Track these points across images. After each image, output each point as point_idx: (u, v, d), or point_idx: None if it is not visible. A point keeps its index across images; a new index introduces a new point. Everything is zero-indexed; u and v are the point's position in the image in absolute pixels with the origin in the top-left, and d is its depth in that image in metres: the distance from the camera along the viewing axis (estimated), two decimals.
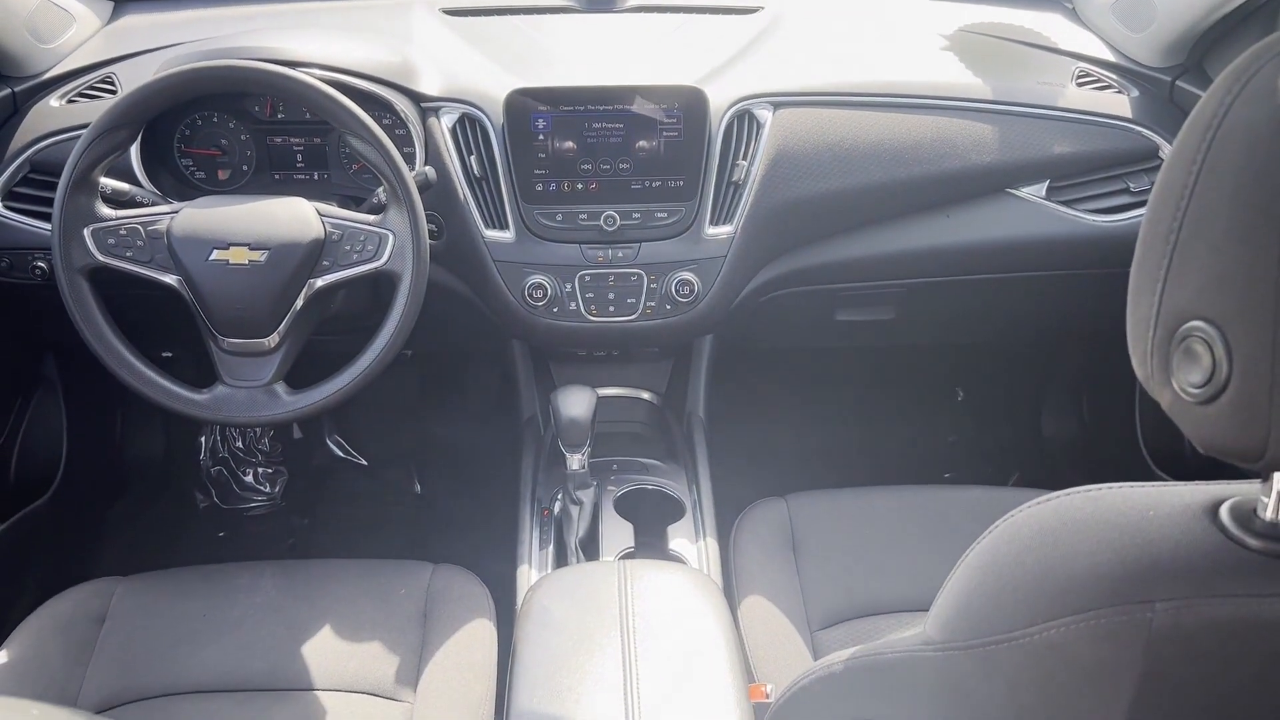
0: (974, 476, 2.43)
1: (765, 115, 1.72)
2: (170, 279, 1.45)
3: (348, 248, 1.51)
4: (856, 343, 2.20)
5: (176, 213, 1.45)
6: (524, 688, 1.05)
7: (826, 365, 2.48)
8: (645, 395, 2.05)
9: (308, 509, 2.47)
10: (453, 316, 1.84)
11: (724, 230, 1.74)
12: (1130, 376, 0.65)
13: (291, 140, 1.77)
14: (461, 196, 1.72)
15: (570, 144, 1.70)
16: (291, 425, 2.53)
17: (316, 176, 1.79)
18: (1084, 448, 2.36)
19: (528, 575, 1.59)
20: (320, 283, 1.50)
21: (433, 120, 1.72)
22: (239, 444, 2.52)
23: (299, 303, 1.48)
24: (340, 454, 2.60)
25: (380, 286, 1.63)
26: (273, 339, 1.49)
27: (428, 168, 1.74)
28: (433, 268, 1.57)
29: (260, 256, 1.44)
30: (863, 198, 1.74)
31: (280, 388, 1.50)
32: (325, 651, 1.37)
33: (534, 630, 1.15)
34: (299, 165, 1.78)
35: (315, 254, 1.49)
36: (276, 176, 1.77)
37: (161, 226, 1.44)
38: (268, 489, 2.52)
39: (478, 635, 1.43)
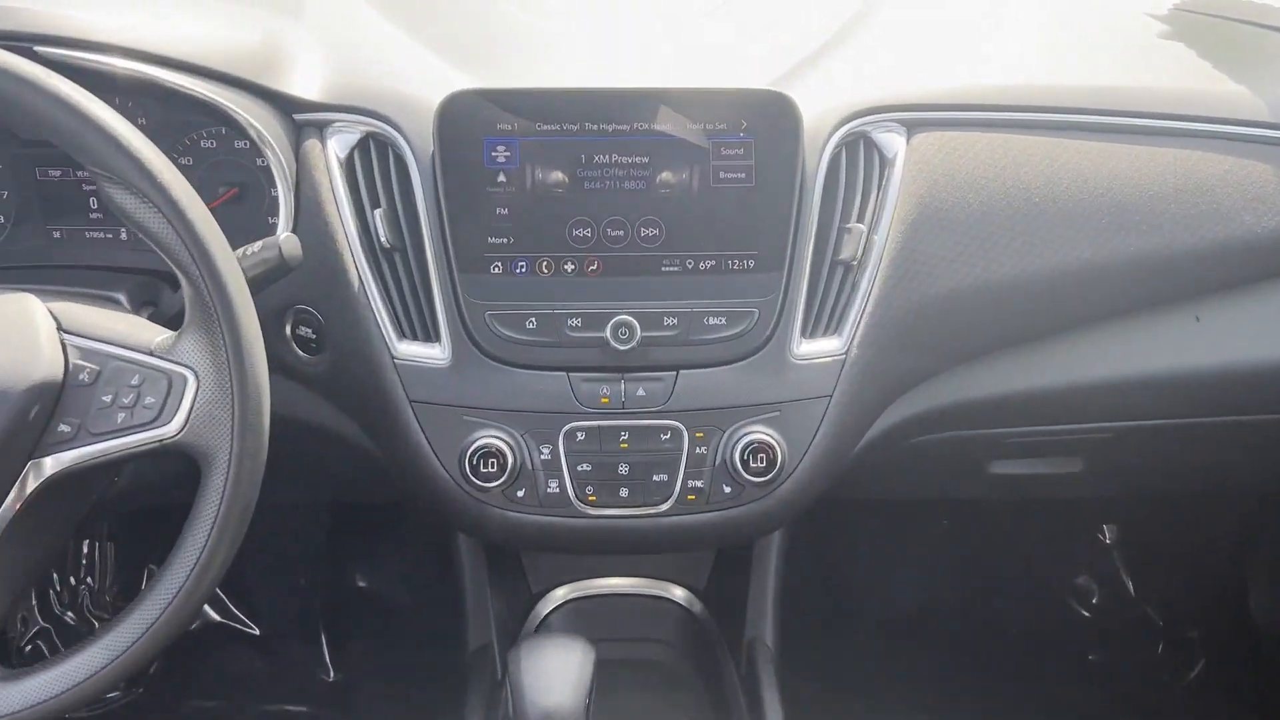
0: (1141, 664, 1.93)
1: (894, 143, 1.12)
2: None
3: (107, 398, 0.88)
4: (1011, 495, 1.67)
5: None
6: None
7: (949, 517, 1.96)
8: (676, 594, 1.44)
9: (173, 703, 1.91)
10: (346, 470, 1.29)
11: (829, 348, 1.10)
12: None
13: (79, 174, 1.17)
14: (355, 282, 1.08)
15: (556, 188, 1.07)
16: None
17: (124, 235, 1.20)
18: None
19: None
20: (54, 465, 0.88)
21: (311, 145, 1.11)
22: (83, 599, 1.93)
23: (10, 499, 0.86)
24: (219, 619, 2.01)
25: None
26: None
27: (283, 236, 0.98)
28: (305, 401, 1.15)
29: None
30: (1058, 288, 1.15)
31: None
32: None
33: None
34: (93, 215, 1.20)
35: (43, 412, 0.87)
36: (55, 234, 1.20)
37: None
38: None
39: None
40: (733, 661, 1.35)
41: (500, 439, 1.06)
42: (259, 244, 0.98)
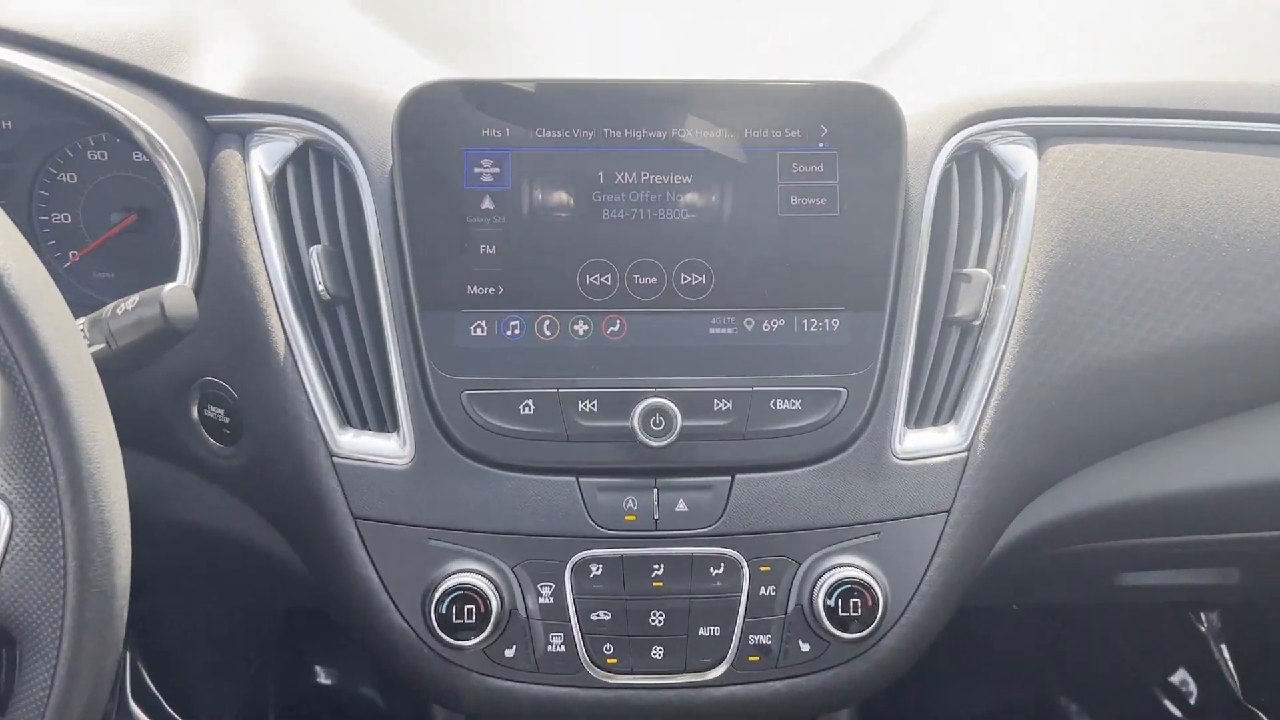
0: None
1: (1022, 159, 0.87)
2: None
3: None
4: (1139, 601, 1.40)
5: None
6: None
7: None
8: None
9: None
10: (282, 586, 0.96)
11: (944, 442, 0.83)
12: None
13: None
14: (281, 347, 0.81)
15: (562, 217, 0.81)
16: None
17: None
18: None
19: None
20: None
21: (227, 158, 0.86)
22: None
23: None
24: None
25: None
26: None
27: (168, 289, 0.71)
28: (219, 506, 0.88)
29: None
30: (1256, 353, 0.89)
31: None
32: None
33: None
34: None
35: None
36: None
37: None
38: None
39: None
40: None
41: (481, 575, 0.77)
42: (133, 299, 0.70)
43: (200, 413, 0.85)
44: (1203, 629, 1.78)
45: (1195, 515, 0.97)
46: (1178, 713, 1.76)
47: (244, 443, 0.84)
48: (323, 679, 1.77)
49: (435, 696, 0.88)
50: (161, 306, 0.70)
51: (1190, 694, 1.77)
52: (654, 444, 0.75)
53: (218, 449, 0.85)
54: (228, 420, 0.84)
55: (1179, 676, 1.77)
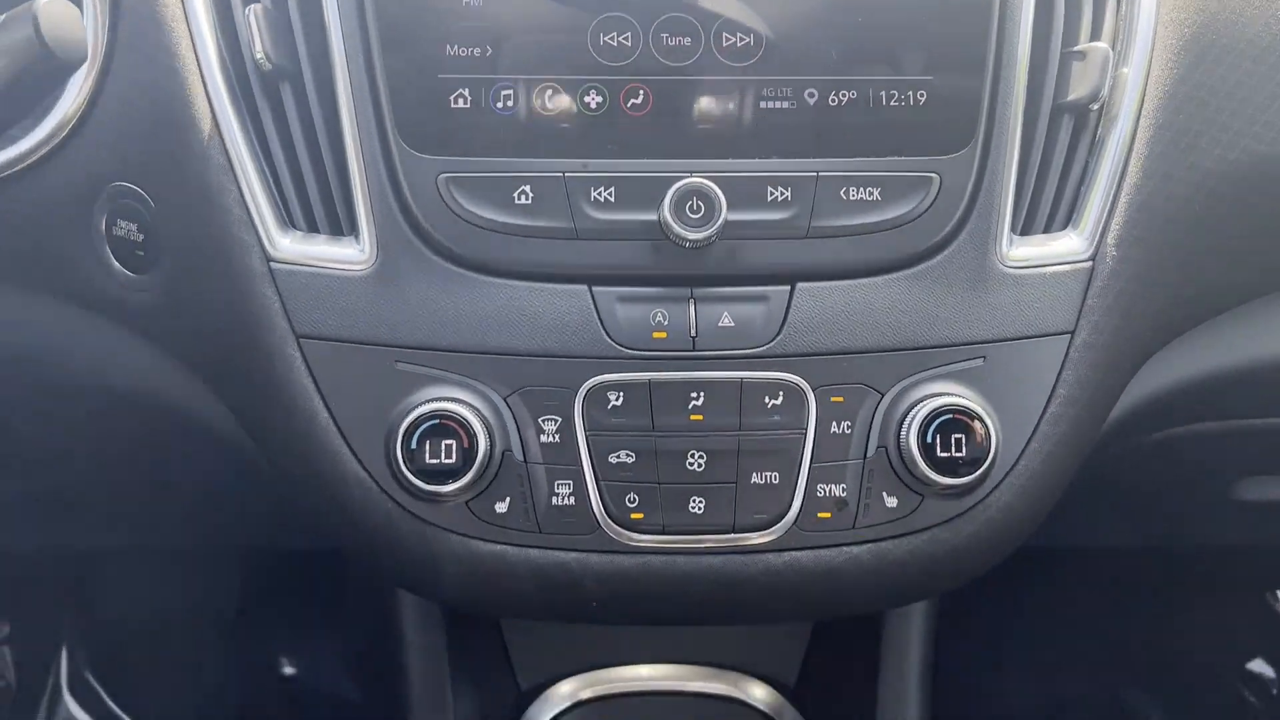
0: None
1: None
2: None
3: None
4: (1256, 539, 1.22)
5: None
6: None
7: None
8: (755, 694, 1.00)
9: None
10: (211, 478, 0.84)
11: (1064, 249, 0.66)
12: None
13: None
14: (206, 131, 0.65)
15: None
16: None
17: None
18: None
19: None
20: None
21: None
22: None
23: None
24: (88, 719, 1.61)
25: None
26: None
27: (44, 1, 0.55)
28: (129, 356, 0.72)
29: None
30: None
31: None
32: None
33: None
34: None
35: None
36: None
37: None
38: None
39: None
40: None
41: (463, 404, 0.59)
42: None
43: (108, 230, 0.67)
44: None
45: None
46: (1255, 702, 1.61)
47: (160, 268, 0.67)
48: (285, 669, 1.65)
49: (406, 574, 0.69)
50: (35, 24, 0.53)
51: (1270, 682, 1.63)
52: (691, 235, 0.58)
53: (129, 279, 0.67)
54: (141, 239, 0.67)
55: (1256, 665, 1.64)
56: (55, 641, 1.61)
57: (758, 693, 1.05)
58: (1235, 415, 0.85)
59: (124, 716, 1.61)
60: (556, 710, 1.02)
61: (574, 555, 0.62)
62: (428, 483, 0.59)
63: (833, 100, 0.63)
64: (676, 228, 0.59)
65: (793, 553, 0.63)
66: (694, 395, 0.61)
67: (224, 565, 1.59)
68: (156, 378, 0.72)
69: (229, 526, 1.15)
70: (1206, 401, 0.79)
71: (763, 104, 0.63)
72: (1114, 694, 1.66)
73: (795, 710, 1.04)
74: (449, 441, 0.59)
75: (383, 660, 1.18)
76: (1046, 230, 0.65)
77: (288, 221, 0.63)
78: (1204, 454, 0.90)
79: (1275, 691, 1.62)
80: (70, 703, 1.62)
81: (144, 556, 1.56)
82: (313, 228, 0.63)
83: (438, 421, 0.58)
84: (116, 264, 0.68)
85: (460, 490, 0.59)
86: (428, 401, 0.59)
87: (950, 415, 0.59)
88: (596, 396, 0.61)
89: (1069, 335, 0.65)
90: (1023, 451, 0.63)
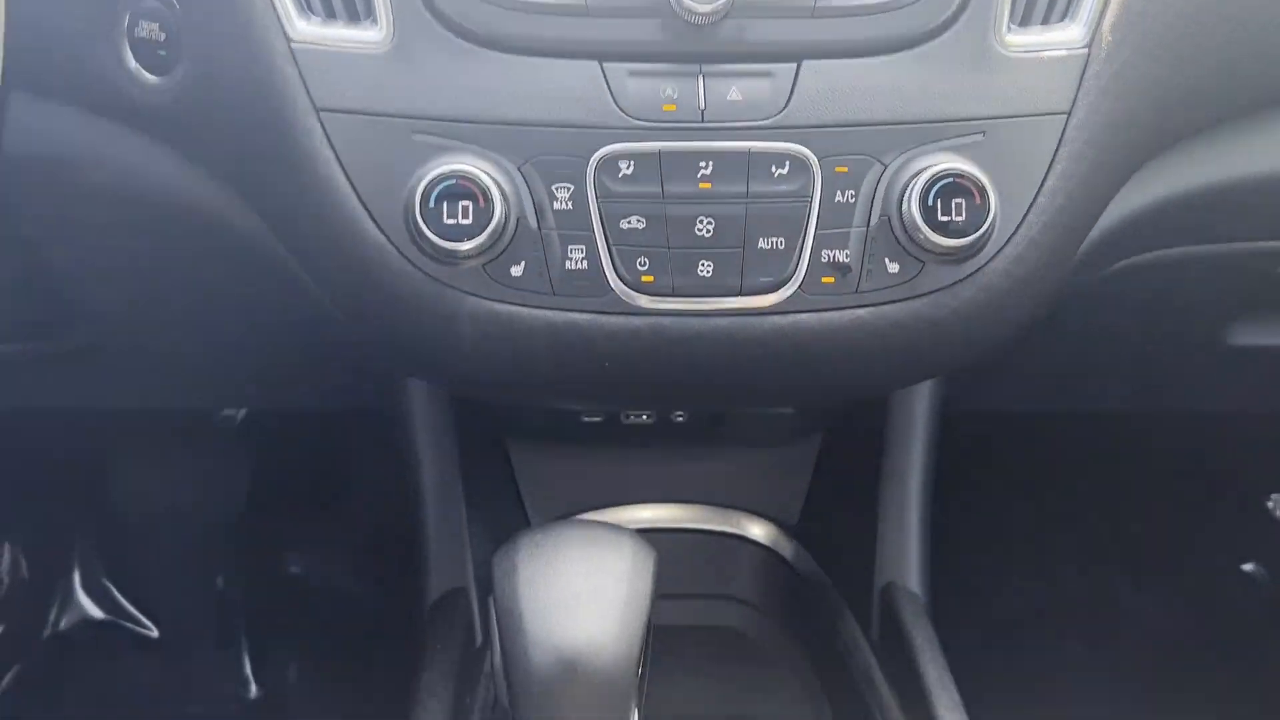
0: None
1: None
2: None
3: None
4: (1247, 405, 1.28)
5: None
6: None
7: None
8: (756, 532, 1.06)
9: None
10: (230, 282, 0.85)
11: (1061, 38, 0.67)
12: None
13: None
14: None
15: None
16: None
17: None
18: None
19: None
20: None
21: None
22: None
23: None
24: (103, 616, 1.65)
25: None
26: None
27: None
28: (149, 161, 0.73)
29: None
30: None
31: None
32: None
33: None
34: None
35: None
36: None
37: None
38: None
39: None
40: (855, 622, 0.98)
41: (478, 169, 0.62)
42: None
43: (129, 32, 0.70)
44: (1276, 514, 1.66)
45: None
46: (1247, 606, 1.65)
47: (179, 69, 0.69)
48: (296, 568, 1.70)
49: (422, 348, 0.72)
50: None
51: (1263, 585, 1.67)
52: (699, 8, 0.60)
53: (149, 83, 0.70)
54: (163, 39, 0.69)
55: (1253, 566, 1.67)
56: (68, 540, 1.67)
57: (760, 530, 1.11)
58: (1225, 238, 0.86)
59: (136, 612, 1.65)
60: None
61: (587, 316, 0.64)
62: (444, 240, 0.61)
63: None
64: (687, 1, 0.62)
65: (798, 315, 0.65)
66: (703, 164, 0.64)
67: (235, 456, 1.65)
68: (182, 183, 0.75)
69: (254, 365, 1.18)
70: (1198, 218, 0.81)
71: None
72: (1106, 587, 1.68)
73: (797, 544, 1.06)
74: (465, 203, 0.61)
75: (398, 564, 1.25)
76: (1045, 23, 0.67)
77: (306, 8, 0.65)
78: (1195, 289, 0.93)
79: (1267, 594, 1.66)
80: (83, 598, 1.68)
81: (155, 452, 1.63)
82: (330, 14, 0.65)
83: (455, 182, 0.61)
84: (138, 65, 0.70)
85: (477, 249, 0.62)
86: (443, 165, 0.61)
87: (951, 180, 0.62)
88: (608, 165, 0.63)
89: (1065, 115, 0.67)
90: (1021, 222, 0.65)
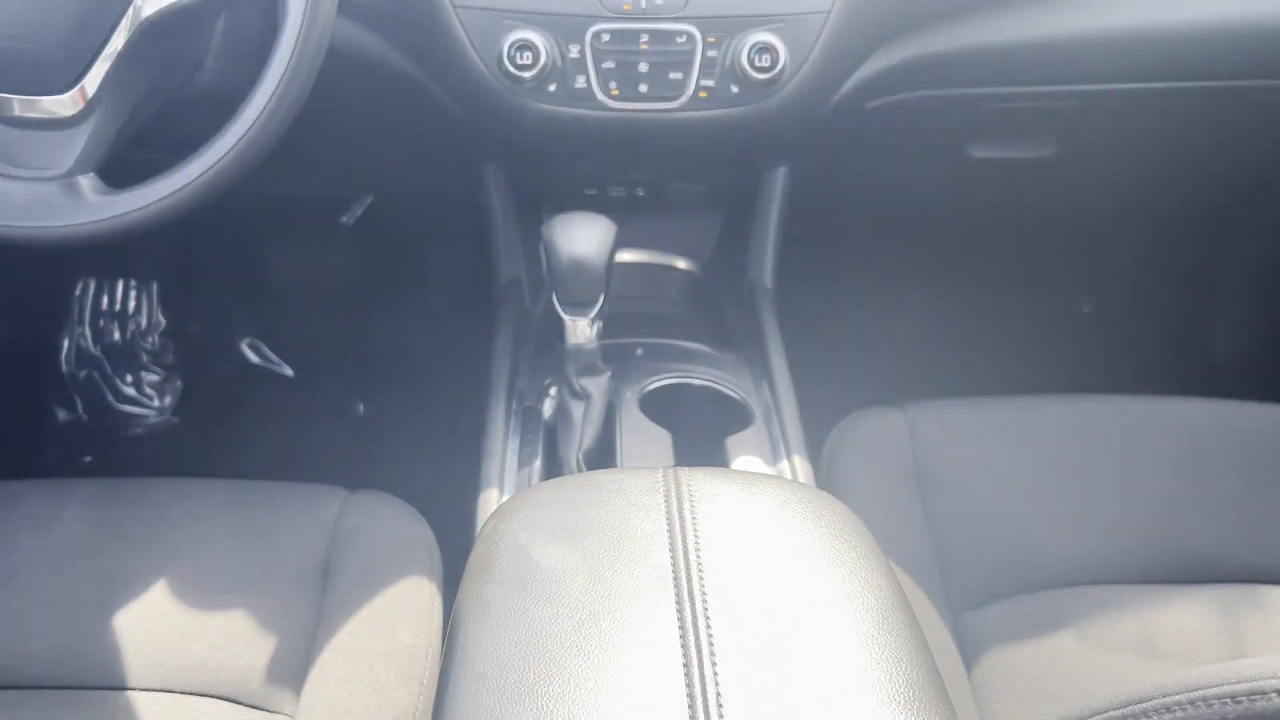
0: None
1: None
2: None
3: None
4: (990, 196, 1.64)
5: None
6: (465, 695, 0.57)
7: (936, 233, 1.92)
8: (681, 264, 1.53)
9: (207, 428, 1.96)
10: (381, 119, 1.35)
11: None
12: None
13: None
14: None
15: None
16: (188, 321, 1.99)
17: None
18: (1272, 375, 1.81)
19: (496, 502, 1.08)
20: (151, 9, 0.93)
21: None
22: (116, 338, 1.98)
23: (117, 41, 0.93)
24: (256, 359, 2.06)
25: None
26: (73, 98, 0.93)
27: None
28: (342, 24, 1.12)
29: None
30: None
31: (88, 182, 0.93)
32: (147, 629, 0.97)
33: (495, 589, 0.63)
34: None
35: None
36: None
37: None
38: (155, 401, 1.98)
39: (409, 602, 0.99)
40: (732, 306, 1.43)
41: (534, 37, 1.17)
42: None
43: None
44: (1084, 310, 2.06)
45: (1022, 65, 1.28)
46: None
47: None
48: (391, 328, 2.02)
49: (500, 130, 1.25)
50: None
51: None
52: None
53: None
54: None
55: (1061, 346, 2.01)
56: (232, 307, 2.01)
57: (684, 263, 1.53)
58: (955, 86, 1.31)
59: (277, 359, 2.01)
60: None
61: (584, 112, 1.15)
62: (518, 73, 1.15)
63: None
64: None
65: (689, 113, 1.16)
66: (643, 36, 1.12)
67: (351, 247, 1.95)
68: (378, 49, 1.20)
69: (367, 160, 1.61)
70: (930, 74, 1.26)
71: None
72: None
73: (705, 269, 1.51)
74: (527, 53, 1.14)
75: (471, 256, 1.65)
76: None
77: None
78: (937, 118, 1.36)
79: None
80: (243, 348, 2.03)
81: (296, 242, 1.97)
82: None
83: (522, 42, 1.14)
84: None
85: (533, 78, 1.14)
86: (517, 34, 1.14)
87: (764, 46, 1.15)
88: (596, 35, 1.12)
89: (827, 13, 1.13)
90: (799, 69, 1.15)
